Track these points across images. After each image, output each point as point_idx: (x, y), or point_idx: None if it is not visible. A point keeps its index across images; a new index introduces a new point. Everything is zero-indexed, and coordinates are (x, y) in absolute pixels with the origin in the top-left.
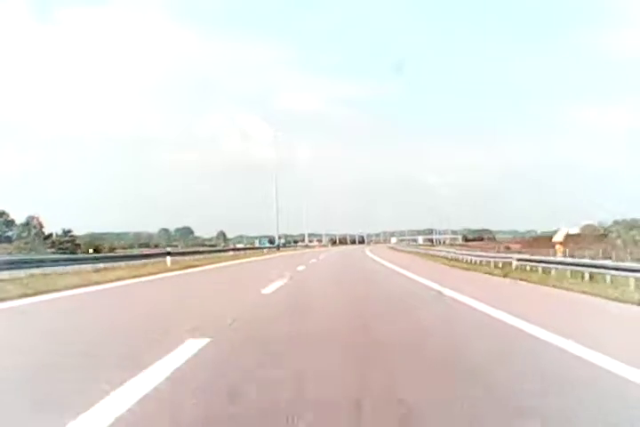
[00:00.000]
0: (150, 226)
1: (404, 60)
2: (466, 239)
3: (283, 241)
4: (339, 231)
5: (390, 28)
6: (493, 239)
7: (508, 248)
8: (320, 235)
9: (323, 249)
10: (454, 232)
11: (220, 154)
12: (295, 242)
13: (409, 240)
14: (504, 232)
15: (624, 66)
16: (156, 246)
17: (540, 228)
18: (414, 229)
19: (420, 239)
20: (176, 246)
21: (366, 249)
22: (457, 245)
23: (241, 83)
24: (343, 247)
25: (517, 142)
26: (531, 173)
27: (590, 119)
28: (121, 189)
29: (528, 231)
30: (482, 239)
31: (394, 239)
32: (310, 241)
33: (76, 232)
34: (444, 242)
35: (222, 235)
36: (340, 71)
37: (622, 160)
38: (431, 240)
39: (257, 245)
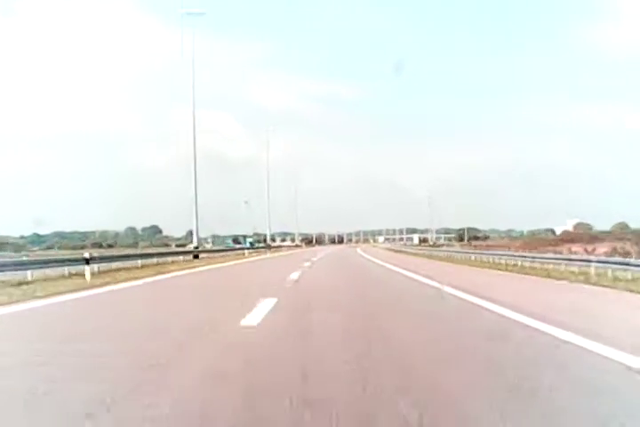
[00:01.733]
0: (119, 224)
1: (392, 60)
2: (460, 239)
3: (251, 240)
4: (316, 230)
5: (372, 27)
6: (486, 238)
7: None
8: (294, 234)
9: (294, 252)
10: (436, 231)
11: (191, 151)
12: (265, 241)
13: (404, 240)
14: (484, 231)
15: (616, 67)
16: (111, 247)
17: (521, 227)
18: (395, 229)
19: (416, 238)
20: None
21: (364, 253)
22: (486, 245)
23: (215, 79)
24: (328, 250)
25: (500, 141)
26: (512, 171)
27: (574, 119)
28: (88, 187)
29: (508, 230)
30: (477, 239)
31: (381, 238)
32: (283, 240)
33: (41, 231)
34: (434, 242)
35: (192, 234)
36: (318, 69)
37: (605, 159)
38: (423, 240)
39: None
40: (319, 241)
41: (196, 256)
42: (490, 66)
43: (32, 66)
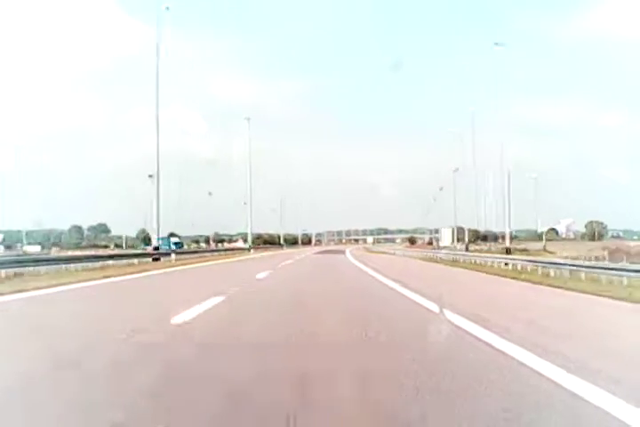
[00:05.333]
0: (66, 223)
1: (367, 56)
2: (474, 239)
3: (176, 241)
4: (278, 230)
5: (338, 25)
6: (503, 239)
7: None
8: (259, 234)
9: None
10: (407, 232)
11: (145, 148)
12: (207, 243)
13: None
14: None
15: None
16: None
17: (499, 227)
18: (364, 229)
19: (447, 237)
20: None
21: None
22: None
23: (175, 74)
24: (291, 260)
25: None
26: (480, 171)
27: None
28: (33, 183)
29: (486, 231)
30: (485, 239)
31: (370, 239)
32: (235, 241)
33: None
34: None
35: (144, 233)
36: (285, 66)
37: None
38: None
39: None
40: (273, 242)
41: None
42: (458, 63)
43: None
